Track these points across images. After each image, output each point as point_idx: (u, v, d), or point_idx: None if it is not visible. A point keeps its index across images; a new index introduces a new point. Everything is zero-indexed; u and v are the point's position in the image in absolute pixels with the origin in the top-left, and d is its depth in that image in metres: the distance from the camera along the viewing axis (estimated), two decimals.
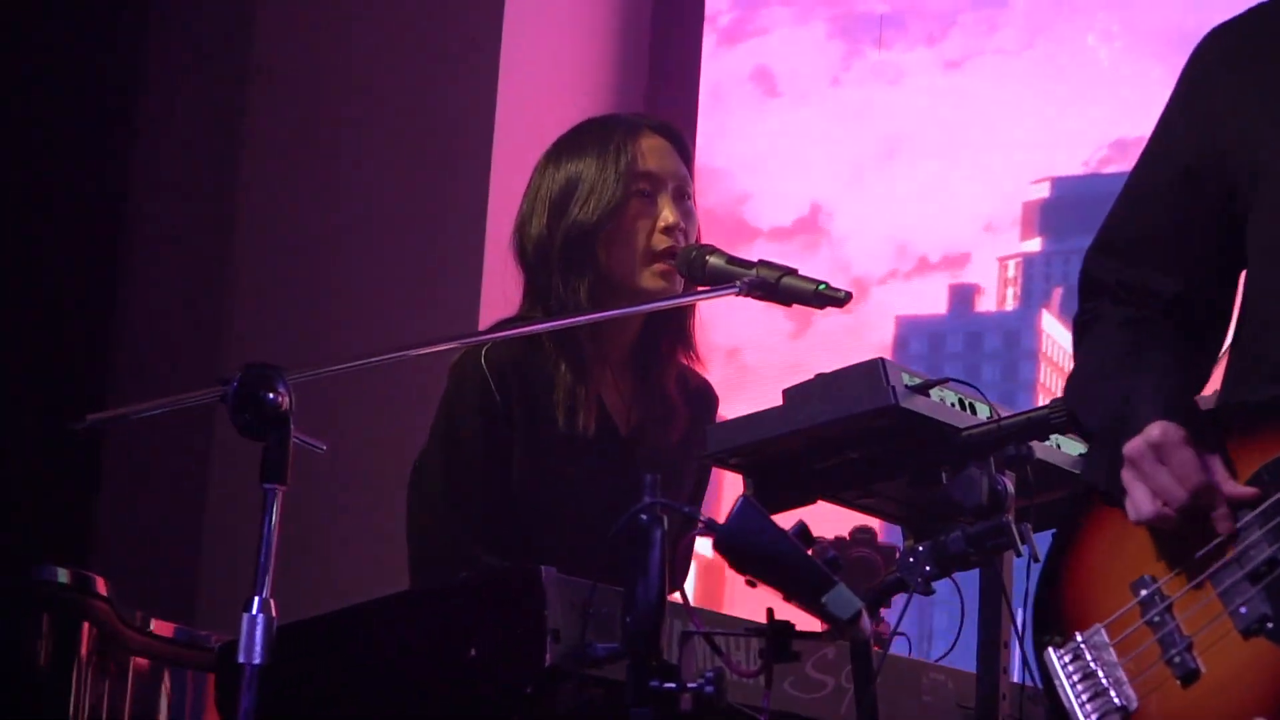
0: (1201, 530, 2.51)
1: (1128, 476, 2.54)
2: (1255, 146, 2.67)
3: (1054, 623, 2.65)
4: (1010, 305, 5.63)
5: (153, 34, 6.12)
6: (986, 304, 5.65)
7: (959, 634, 3.24)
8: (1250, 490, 2.50)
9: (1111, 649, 2.57)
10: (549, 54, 5.86)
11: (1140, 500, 2.52)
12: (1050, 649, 2.63)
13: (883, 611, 2.98)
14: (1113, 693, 2.55)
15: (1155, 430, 2.51)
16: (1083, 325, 2.83)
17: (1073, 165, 5.48)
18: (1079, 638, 2.60)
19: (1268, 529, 2.47)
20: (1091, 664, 2.58)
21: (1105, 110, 5.40)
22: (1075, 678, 2.59)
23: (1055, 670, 2.62)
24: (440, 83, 5.80)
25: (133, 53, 6.10)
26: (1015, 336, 5.59)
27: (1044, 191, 5.67)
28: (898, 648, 3.30)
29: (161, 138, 6.07)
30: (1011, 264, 5.63)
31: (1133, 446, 2.53)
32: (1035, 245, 5.66)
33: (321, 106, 5.95)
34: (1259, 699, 2.44)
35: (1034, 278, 5.63)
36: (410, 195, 5.76)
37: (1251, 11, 2.78)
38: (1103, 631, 2.59)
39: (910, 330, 5.69)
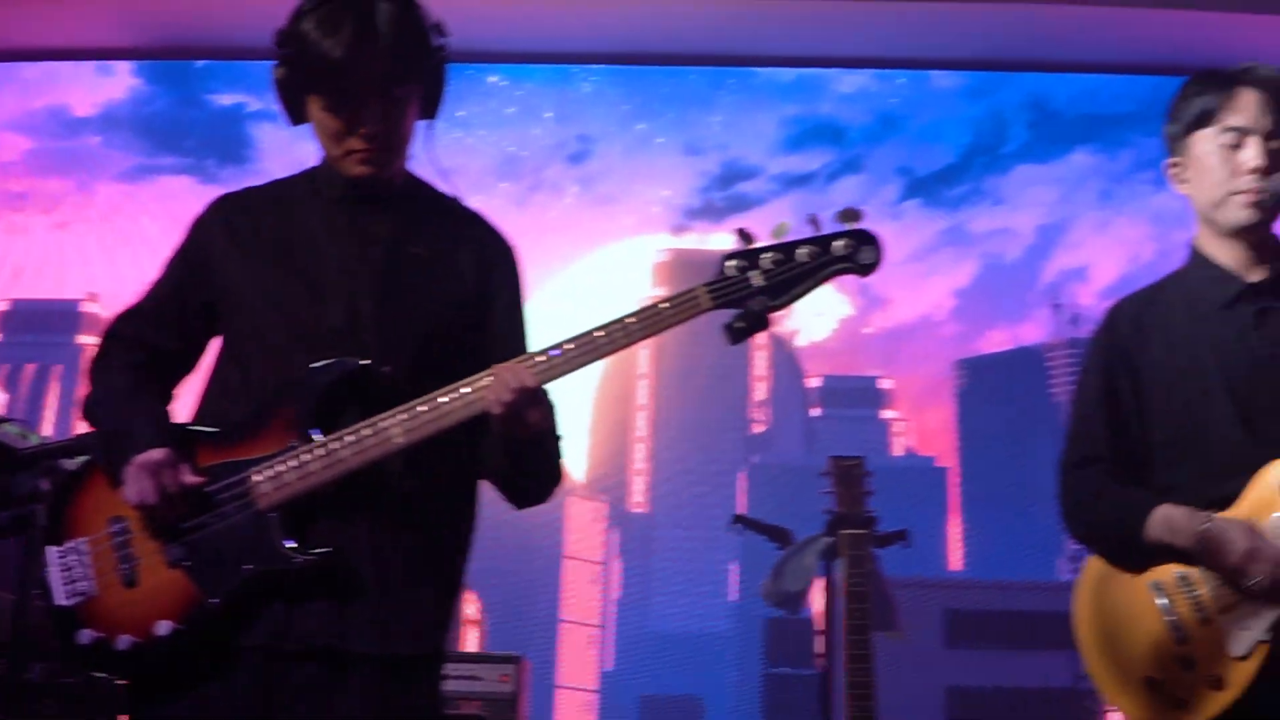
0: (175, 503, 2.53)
1: (132, 472, 2.53)
2: (225, 276, 2.68)
3: (59, 532, 2.65)
4: None
5: None
6: None
7: None
8: (199, 480, 2.53)
9: (89, 555, 2.60)
10: None
11: (133, 492, 2.52)
12: (50, 546, 2.64)
13: None
14: (82, 582, 2.59)
15: (157, 453, 2.52)
16: (101, 359, 2.74)
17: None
18: (71, 543, 2.63)
19: (214, 510, 2.53)
20: (74, 561, 2.61)
21: None
22: (61, 567, 2.61)
23: (51, 560, 2.63)
24: None
25: None
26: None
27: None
28: None
29: None
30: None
31: (142, 458, 2.52)
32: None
33: None
34: (169, 606, 2.53)
35: None
36: None
37: (249, 190, 2.79)
38: (85, 543, 2.62)
39: None
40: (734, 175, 6.46)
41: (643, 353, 6.58)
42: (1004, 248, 6.43)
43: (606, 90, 6.45)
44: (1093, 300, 6.30)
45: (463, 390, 2.49)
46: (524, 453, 2.55)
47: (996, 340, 6.45)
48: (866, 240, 2.46)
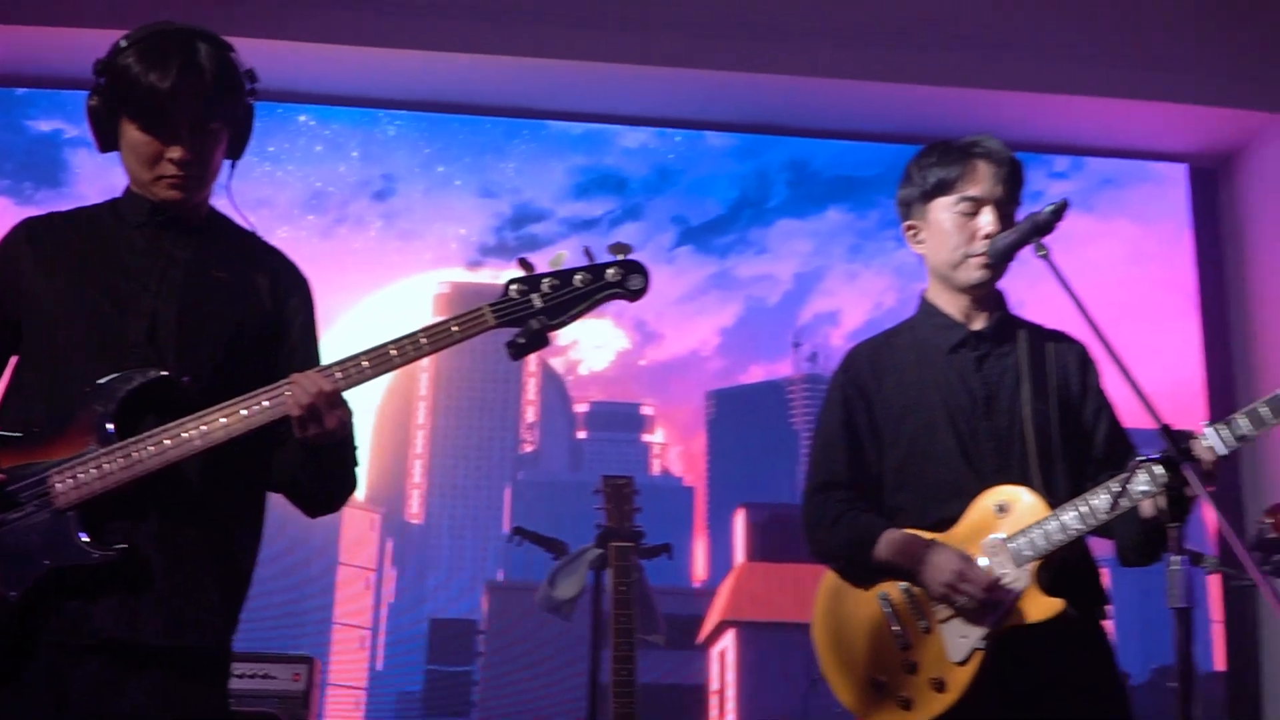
0: None
1: None
2: (30, 292, 2.62)
3: None
4: None
5: None
6: None
7: None
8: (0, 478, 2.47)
9: None
10: None
11: None
12: None
13: None
14: None
15: None
16: None
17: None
18: None
19: (14, 509, 2.47)
20: None
21: None
22: None
23: None
24: None
25: None
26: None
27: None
28: None
29: None
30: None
31: None
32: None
33: None
34: None
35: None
36: None
37: (53, 215, 2.72)
38: None
39: None
40: (525, 217, 6.55)
41: (423, 376, 6.60)
42: (766, 292, 6.63)
43: (409, 134, 6.48)
44: (842, 341, 6.54)
45: (262, 397, 2.49)
46: (322, 457, 2.55)
47: (755, 374, 6.65)
48: (635, 269, 2.53)
